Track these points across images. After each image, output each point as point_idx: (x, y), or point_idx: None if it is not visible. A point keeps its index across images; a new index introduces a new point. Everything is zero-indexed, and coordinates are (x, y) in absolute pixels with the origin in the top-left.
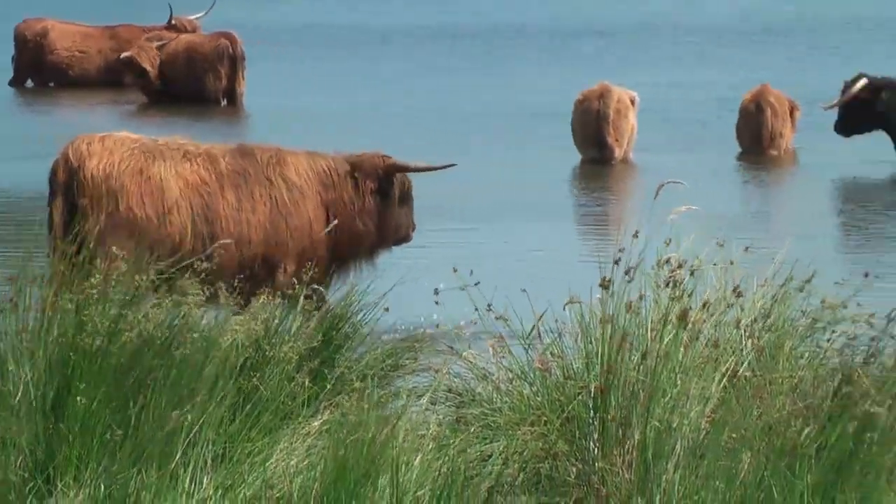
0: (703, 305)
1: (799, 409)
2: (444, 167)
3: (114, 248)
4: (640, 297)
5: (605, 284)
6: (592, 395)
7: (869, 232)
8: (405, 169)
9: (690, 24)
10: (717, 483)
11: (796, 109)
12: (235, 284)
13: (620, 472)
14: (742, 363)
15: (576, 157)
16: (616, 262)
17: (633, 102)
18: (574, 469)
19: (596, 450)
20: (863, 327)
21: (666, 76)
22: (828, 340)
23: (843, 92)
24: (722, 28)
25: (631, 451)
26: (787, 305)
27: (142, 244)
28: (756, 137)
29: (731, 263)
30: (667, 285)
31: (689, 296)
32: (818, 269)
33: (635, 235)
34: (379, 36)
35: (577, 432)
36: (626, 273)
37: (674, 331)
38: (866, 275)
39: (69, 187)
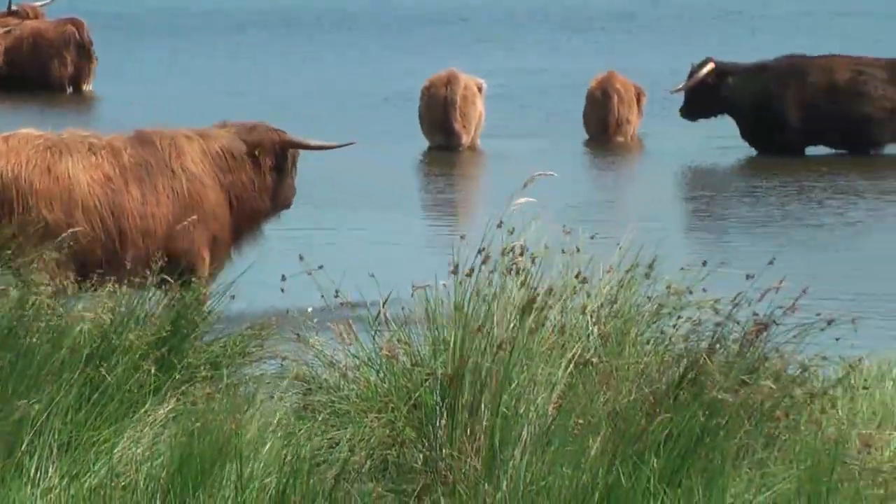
0: (548, 291)
1: (645, 394)
2: (342, 145)
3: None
4: (488, 284)
5: (454, 271)
6: (440, 381)
7: (714, 217)
8: (302, 146)
9: (540, 9)
10: (564, 469)
11: (642, 96)
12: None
13: (468, 458)
14: (588, 349)
15: (423, 144)
16: (470, 250)
17: (480, 89)
18: (421, 456)
19: (443, 436)
20: (708, 313)
21: (515, 62)
22: (673, 326)
23: (690, 76)
24: (571, 14)
25: (478, 438)
26: (632, 291)
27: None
28: (603, 124)
29: (578, 250)
30: (509, 272)
31: (535, 283)
32: (664, 255)
33: (499, 225)
34: (235, 23)
35: (424, 419)
36: (483, 261)
37: (520, 317)
38: (704, 263)
39: None
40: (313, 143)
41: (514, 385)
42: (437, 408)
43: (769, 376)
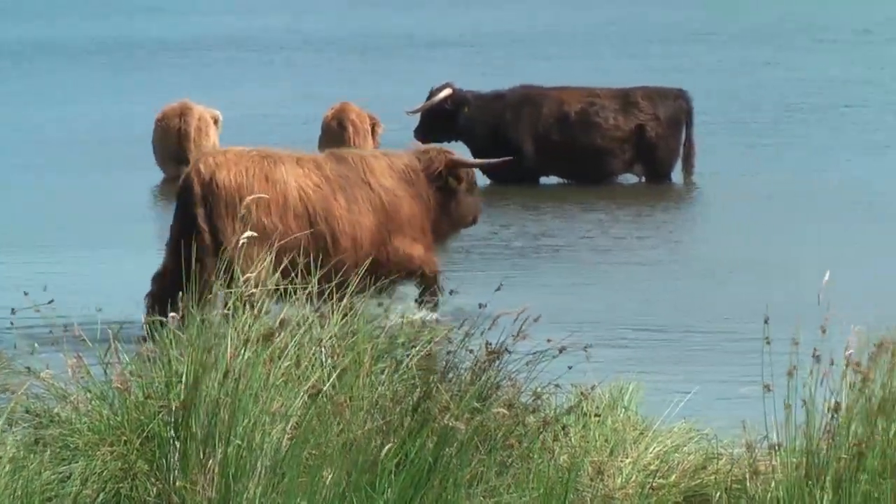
0: (281, 324)
1: (379, 424)
2: (501, 162)
3: None
4: (225, 316)
5: (184, 303)
6: (173, 413)
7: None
8: (467, 164)
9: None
10: (299, 500)
11: (377, 126)
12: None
13: (201, 490)
14: (323, 380)
15: (158, 175)
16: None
17: (216, 121)
18: (154, 489)
19: (176, 469)
20: (442, 342)
21: (255, 94)
22: (407, 356)
23: (429, 98)
24: (307, 43)
25: (212, 470)
26: (367, 322)
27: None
28: None
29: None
30: (244, 304)
31: (270, 315)
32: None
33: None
34: None
35: (158, 451)
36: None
37: (256, 349)
38: (451, 292)
39: (205, 198)
40: (474, 161)
41: (248, 416)
42: (171, 440)
43: (502, 404)
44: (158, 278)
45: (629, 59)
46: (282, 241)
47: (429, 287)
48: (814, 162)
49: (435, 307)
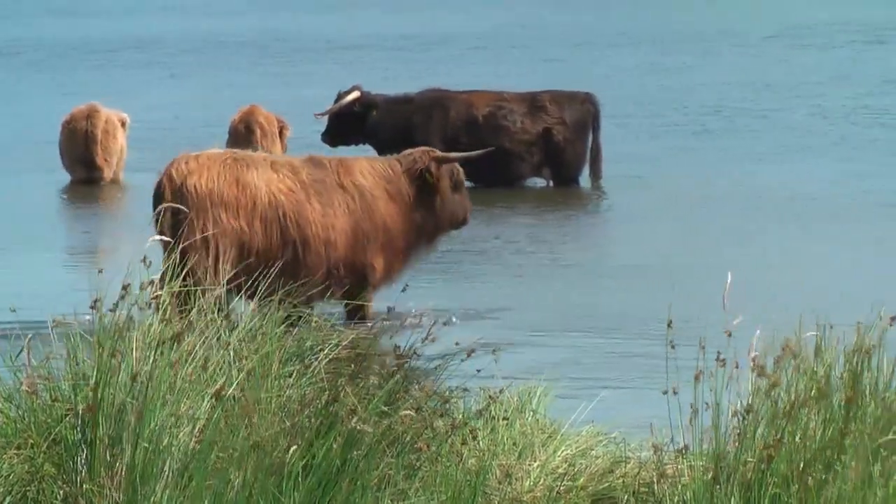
0: (188, 325)
1: (286, 427)
2: (482, 153)
3: None
4: (130, 319)
5: (94, 306)
6: (80, 416)
7: None
8: (448, 159)
9: (197, 41)
10: (206, 502)
11: (286, 129)
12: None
13: (109, 493)
14: (231, 383)
15: (66, 178)
16: (112, 285)
17: (123, 124)
18: (61, 492)
19: (84, 472)
20: (350, 345)
21: (165, 96)
22: (316, 360)
23: (337, 101)
24: (218, 45)
25: (119, 473)
26: (275, 326)
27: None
28: None
29: (223, 286)
30: (149, 306)
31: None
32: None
33: (143, 260)
34: None
35: (65, 454)
36: (122, 297)
37: (162, 351)
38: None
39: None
40: (457, 155)
41: (155, 419)
42: (77, 443)
43: (410, 407)
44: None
45: (540, 62)
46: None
47: (361, 302)
48: (729, 165)
49: (358, 317)
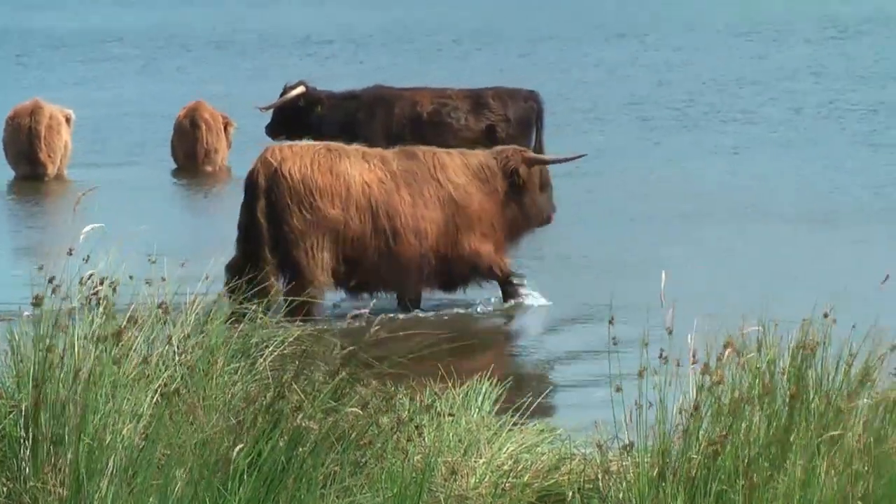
0: (130, 321)
1: (232, 424)
2: (576, 157)
3: None
4: (70, 314)
5: (36, 302)
6: (23, 413)
7: None
8: (542, 161)
9: (143, 37)
10: (151, 499)
11: (230, 125)
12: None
13: (53, 489)
14: (175, 379)
15: (9, 173)
16: (51, 281)
17: (68, 120)
18: (5, 489)
19: (27, 469)
20: (296, 342)
21: (108, 91)
22: (261, 356)
23: (282, 96)
24: (168, 40)
25: (63, 469)
26: (219, 322)
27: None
28: (191, 154)
29: (164, 280)
30: (90, 302)
31: (118, 313)
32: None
33: (69, 253)
34: None
35: (8, 451)
36: (54, 291)
37: (104, 347)
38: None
39: (268, 190)
40: (550, 157)
41: (98, 416)
42: (21, 439)
43: (356, 404)
44: (230, 269)
45: (485, 59)
46: (346, 232)
47: (502, 286)
48: (668, 163)
49: (517, 297)
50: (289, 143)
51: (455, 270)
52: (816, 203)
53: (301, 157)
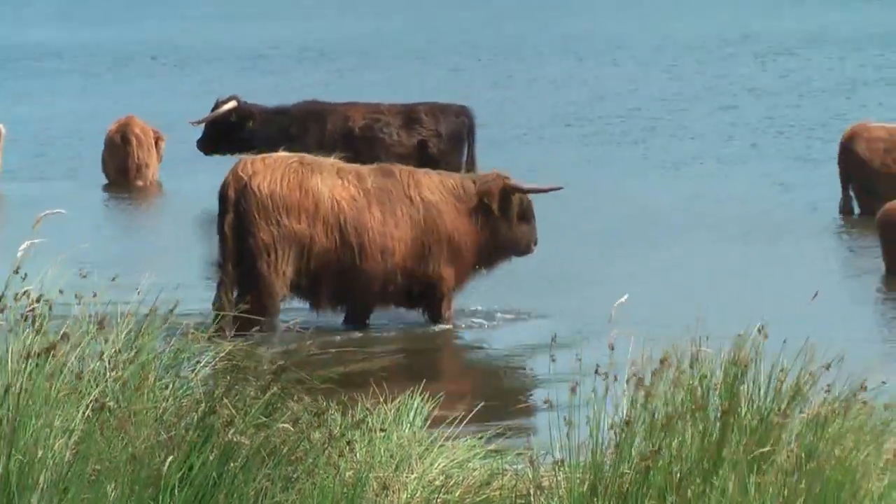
0: (63, 337)
1: (163, 439)
2: (554, 189)
3: None
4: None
5: None
6: None
7: None
8: (522, 190)
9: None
10: None
11: (161, 140)
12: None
13: None
14: (106, 394)
15: None
16: None
17: None
18: None
19: None
20: (227, 356)
21: (40, 105)
22: (192, 371)
23: (214, 110)
24: (94, 56)
25: None
26: (151, 337)
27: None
28: (122, 168)
29: (95, 295)
30: (25, 319)
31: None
32: (186, 299)
33: (16, 271)
34: None
35: None
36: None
37: (36, 363)
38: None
39: (237, 204)
40: (530, 186)
41: (30, 431)
42: None
43: (287, 419)
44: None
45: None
46: (311, 247)
47: (432, 312)
48: (606, 179)
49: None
50: (262, 155)
51: (416, 288)
52: (753, 219)
53: (272, 170)
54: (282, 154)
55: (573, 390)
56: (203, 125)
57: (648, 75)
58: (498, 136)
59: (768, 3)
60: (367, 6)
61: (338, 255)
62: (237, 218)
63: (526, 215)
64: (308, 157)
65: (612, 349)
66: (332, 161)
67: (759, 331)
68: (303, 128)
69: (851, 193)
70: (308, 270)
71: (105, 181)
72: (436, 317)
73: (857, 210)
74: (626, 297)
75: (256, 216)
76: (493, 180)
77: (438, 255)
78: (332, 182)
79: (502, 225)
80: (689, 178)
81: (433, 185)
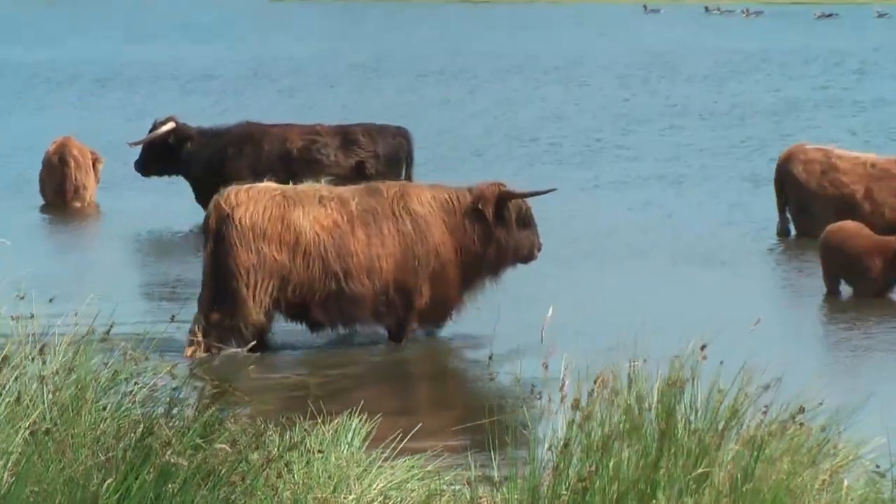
0: (2, 359)
1: (100, 461)
2: (548, 191)
3: None
4: None
5: None
6: None
7: (170, 280)
8: (518, 195)
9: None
10: None
11: (98, 161)
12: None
13: None
14: (44, 417)
15: None
16: None
17: None
18: None
19: None
20: (165, 378)
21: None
22: (131, 392)
23: (151, 132)
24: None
25: None
26: (88, 358)
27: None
28: (59, 189)
29: (32, 316)
30: None
31: None
32: (121, 320)
33: None
34: None
35: None
36: None
37: None
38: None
39: (217, 233)
40: (526, 191)
41: None
42: None
43: (225, 440)
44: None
45: (368, 94)
46: (290, 278)
47: (397, 325)
48: (551, 198)
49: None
50: (246, 186)
51: (401, 301)
52: (696, 241)
53: (255, 203)
54: (265, 185)
55: (513, 410)
56: (141, 147)
57: (596, 96)
58: (445, 156)
59: (716, 25)
60: (311, 28)
61: (323, 284)
62: (217, 245)
63: (526, 221)
64: (290, 188)
65: (547, 368)
66: (315, 188)
67: (701, 349)
68: (239, 149)
69: (788, 215)
70: (289, 300)
71: (42, 202)
72: (399, 330)
73: (793, 232)
74: (551, 312)
75: (238, 245)
76: (489, 187)
77: (426, 266)
78: (314, 213)
79: (501, 232)
80: (636, 198)
81: (423, 198)
